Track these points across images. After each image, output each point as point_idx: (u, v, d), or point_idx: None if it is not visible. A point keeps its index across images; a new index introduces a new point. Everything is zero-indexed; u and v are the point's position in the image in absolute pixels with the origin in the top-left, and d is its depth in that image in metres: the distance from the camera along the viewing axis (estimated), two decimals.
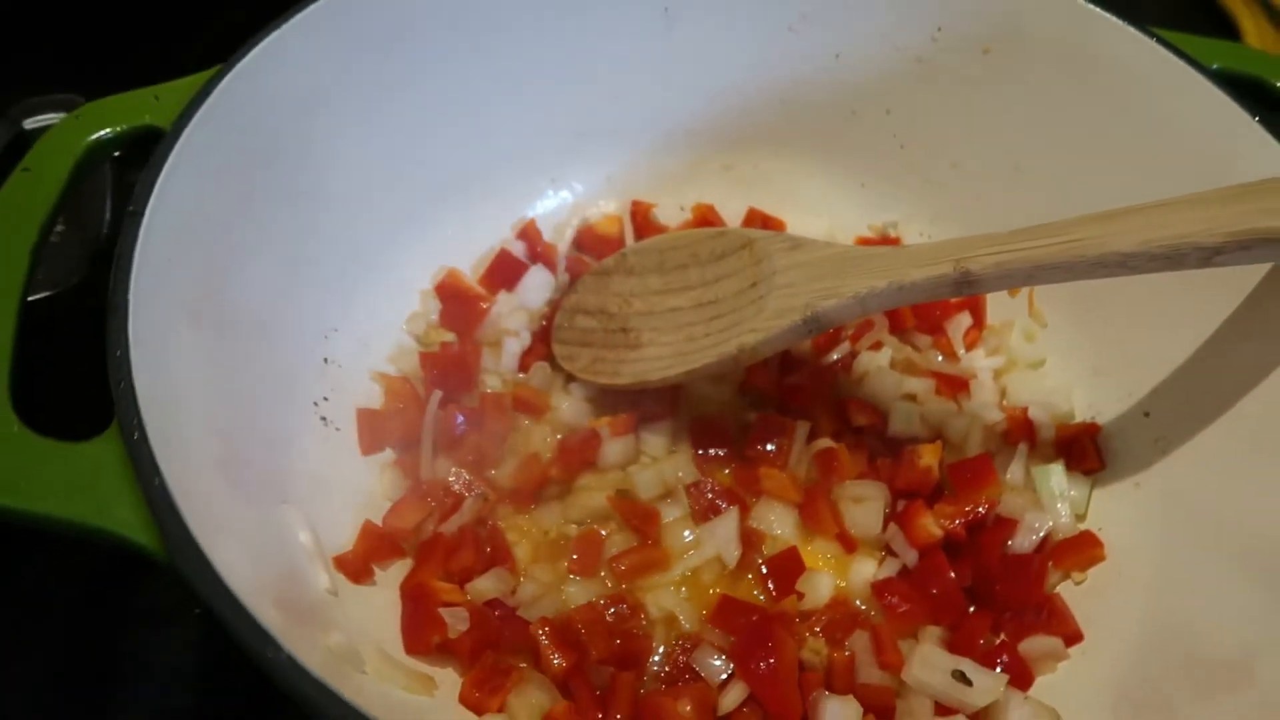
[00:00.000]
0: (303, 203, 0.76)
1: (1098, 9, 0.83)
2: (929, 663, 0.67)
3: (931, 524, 0.75)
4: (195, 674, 0.72)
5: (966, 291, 0.71)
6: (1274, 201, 0.60)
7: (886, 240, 0.98)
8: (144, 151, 0.65)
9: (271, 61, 0.70)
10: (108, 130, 0.65)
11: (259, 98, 0.69)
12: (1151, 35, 0.79)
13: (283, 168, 0.74)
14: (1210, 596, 0.66)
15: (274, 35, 0.70)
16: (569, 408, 0.84)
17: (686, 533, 0.76)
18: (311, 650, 0.56)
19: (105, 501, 0.48)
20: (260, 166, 0.71)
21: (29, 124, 0.81)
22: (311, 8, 0.72)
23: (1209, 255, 0.62)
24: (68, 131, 0.64)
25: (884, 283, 0.72)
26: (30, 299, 0.61)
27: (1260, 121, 0.71)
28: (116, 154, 0.65)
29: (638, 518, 0.76)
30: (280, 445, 0.71)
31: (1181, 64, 0.77)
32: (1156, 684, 0.64)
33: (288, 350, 0.75)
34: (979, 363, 0.89)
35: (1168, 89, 0.78)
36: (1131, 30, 0.81)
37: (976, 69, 0.90)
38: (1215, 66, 0.77)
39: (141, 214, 0.59)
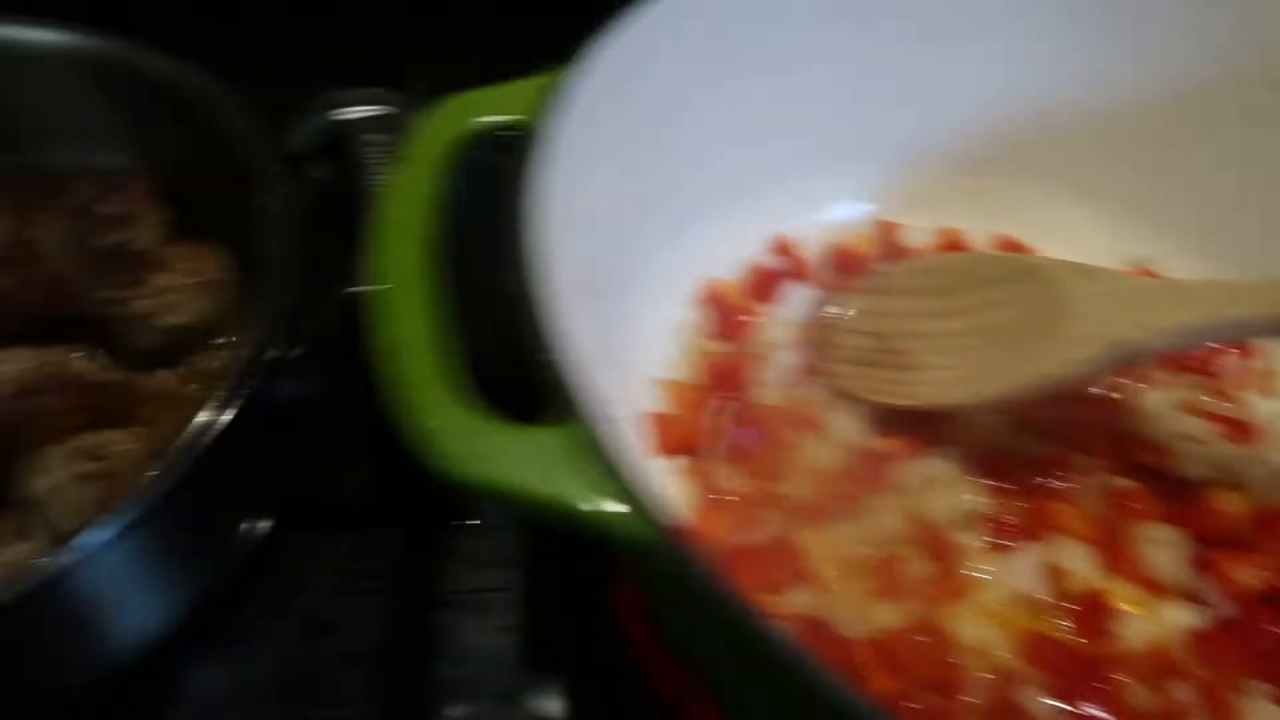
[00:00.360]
0: (621, 204, 0.76)
1: None
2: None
3: (1247, 574, 0.73)
4: (515, 657, 0.72)
5: None
6: None
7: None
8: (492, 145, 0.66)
9: (623, 58, 0.70)
10: (485, 118, 0.65)
11: (617, 94, 0.69)
12: None
13: (612, 169, 0.74)
14: None
15: (625, 34, 0.70)
16: (847, 425, 0.82)
17: (984, 563, 0.75)
18: None
19: (590, 488, 0.48)
20: (602, 165, 0.71)
21: (338, 116, 0.82)
22: (652, 10, 0.73)
23: None
24: (443, 122, 0.64)
25: (1199, 319, 0.70)
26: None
27: None
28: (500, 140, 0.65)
29: (935, 544, 0.75)
30: None
31: None
32: None
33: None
34: (1262, 407, 0.87)
35: None
36: None
37: (1261, 103, 0.88)
38: None
39: (528, 206, 0.59)
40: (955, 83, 0.96)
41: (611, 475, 0.47)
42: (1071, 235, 0.99)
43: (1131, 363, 0.79)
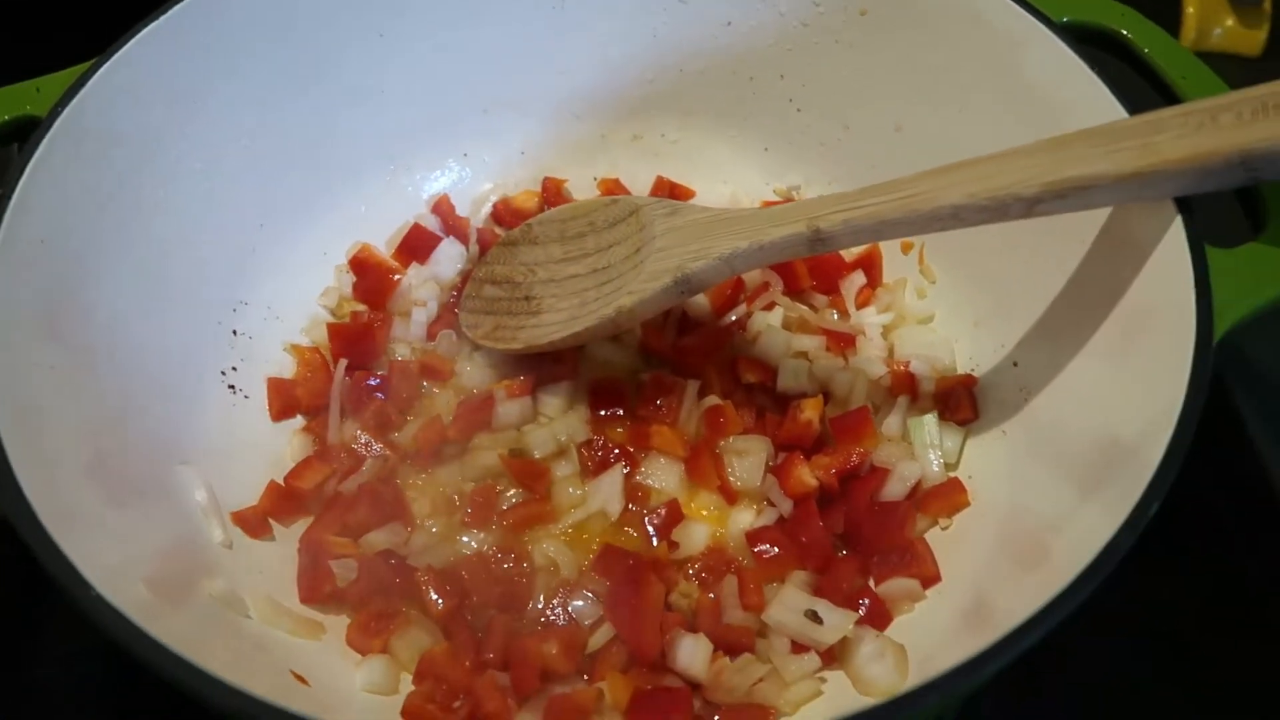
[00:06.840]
0: (198, 183, 0.80)
1: None
2: (786, 603, 0.71)
3: (806, 474, 0.79)
4: None
5: (820, 249, 0.75)
6: (1084, 149, 0.63)
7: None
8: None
9: (154, 50, 0.73)
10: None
11: (142, 85, 0.73)
12: None
13: (174, 151, 0.78)
14: (1040, 501, 0.71)
15: (157, 23, 0.74)
16: (471, 372, 0.88)
17: (575, 488, 0.81)
18: (189, 597, 0.62)
19: None
20: (147, 150, 0.75)
21: None
22: None
23: (1029, 205, 0.65)
24: None
25: (746, 243, 0.75)
26: None
27: (1099, 73, 0.73)
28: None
29: (528, 475, 0.81)
30: (181, 414, 0.76)
31: (1029, 17, 0.79)
32: (988, 596, 0.68)
33: (190, 324, 0.80)
34: (868, 319, 0.92)
35: (1016, 42, 0.80)
36: None
37: (856, 31, 0.92)
38: (1065, 19, 0.80)
39: (8, 200, 0.63)
40: (591, 35, 0.99)
41: None
42: (727, 174, 1.04)
43: (702, 290, 0.84)
